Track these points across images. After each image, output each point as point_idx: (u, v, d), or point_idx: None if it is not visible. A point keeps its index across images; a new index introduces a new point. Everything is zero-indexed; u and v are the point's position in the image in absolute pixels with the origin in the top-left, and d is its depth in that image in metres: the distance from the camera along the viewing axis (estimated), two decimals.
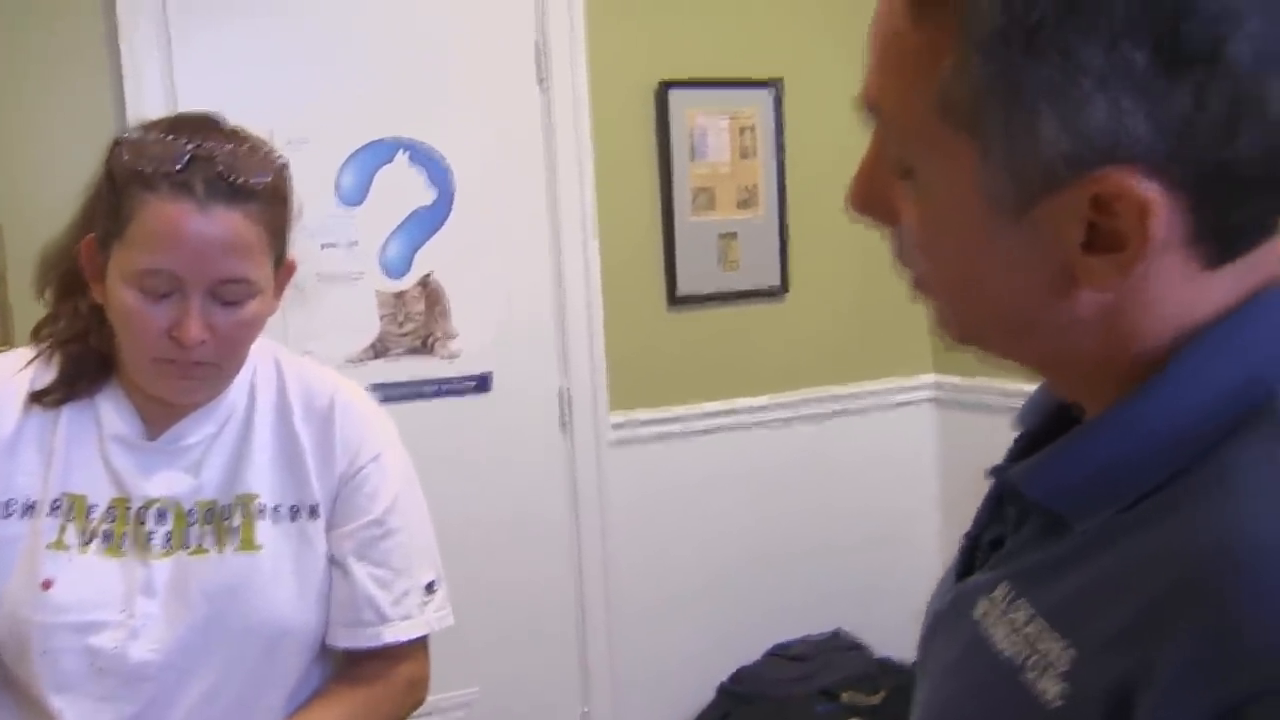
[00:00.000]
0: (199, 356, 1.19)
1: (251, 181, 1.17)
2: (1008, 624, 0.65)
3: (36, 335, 1.30)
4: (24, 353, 1.30)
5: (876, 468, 3.46)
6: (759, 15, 3.20)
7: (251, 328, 1.23)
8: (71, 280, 1.26)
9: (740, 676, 3.22)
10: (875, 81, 0.64)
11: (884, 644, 3.24)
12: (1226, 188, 0.57)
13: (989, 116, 0.58)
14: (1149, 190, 0.56)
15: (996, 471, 0.73)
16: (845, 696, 3.07)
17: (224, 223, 1.15)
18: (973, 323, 0.69)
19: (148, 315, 1.16)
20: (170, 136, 1.17)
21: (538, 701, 3.07)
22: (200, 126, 1.21)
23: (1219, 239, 0.59)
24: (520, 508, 3.03)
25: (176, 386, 1.23)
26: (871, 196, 0.69)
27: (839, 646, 3.28)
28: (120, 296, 1.17)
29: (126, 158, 1.16)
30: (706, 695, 3.21)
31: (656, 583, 3.20)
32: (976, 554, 0.78)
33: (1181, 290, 0.60)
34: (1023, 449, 0.76)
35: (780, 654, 3.26)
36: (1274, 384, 0.59)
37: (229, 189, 1.16)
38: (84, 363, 1.26)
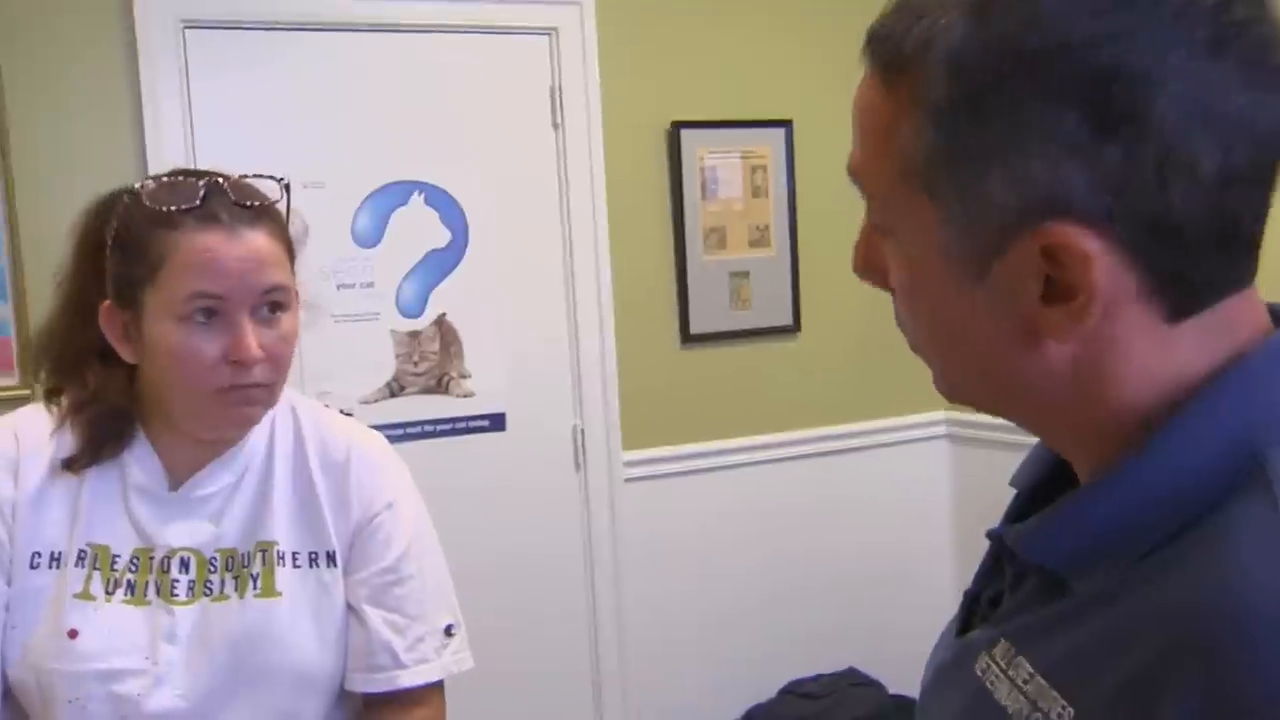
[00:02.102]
0: (258, 377, 1.23)
1: (265, 204, 1.25)
2: (1009, 681, 0.67)
3: (47, 400, 1.32)
4: (39, 412, 1.32)
5: (890, 505, 3.47)
6: (768, 58, 3.25)
7: (291, 344, 1.28)
8: (68, 359, 1.29)
9: (754, 714, 3.22)
10: (856, 151, 0.69)
11: (897, 682, 3.23)
12: (1171, 243, 0.59)
13: (944, 178, 0.62)
14: (1088, 241, 0.59)
15: (995, 533, 0.75)
16: None
17: (253, 241, 1.22)
18: (960, 380, 0.72)
19: (200, 345, 1.20)
20: (180, 178, 1.25)
21: None
22: (198, 172, 1.28)
23: (1175, 293, 0.61)
24: (534, 545, 3.05)
25: (238, 415, 1.26)
26: (867, 262, 0.73)
27: (852, 684, 3.27)
28: (167, 337, 1.20)
29: (147, 203, 1.21)
30: None
31: (670, 620, 3.20)
32: (976, 610, 0.79)
33: (1148, 343, 0.62)
34: (1021, 507, 0.78)
35: (794, 691, 3.26)
36: (1261, 448, 0.60)
37: (249, 213, 1.23)
38: (107, 425, 1.28)
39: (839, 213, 0.66)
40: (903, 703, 3.19)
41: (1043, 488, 0.76)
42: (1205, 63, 0.57)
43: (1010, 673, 0.67)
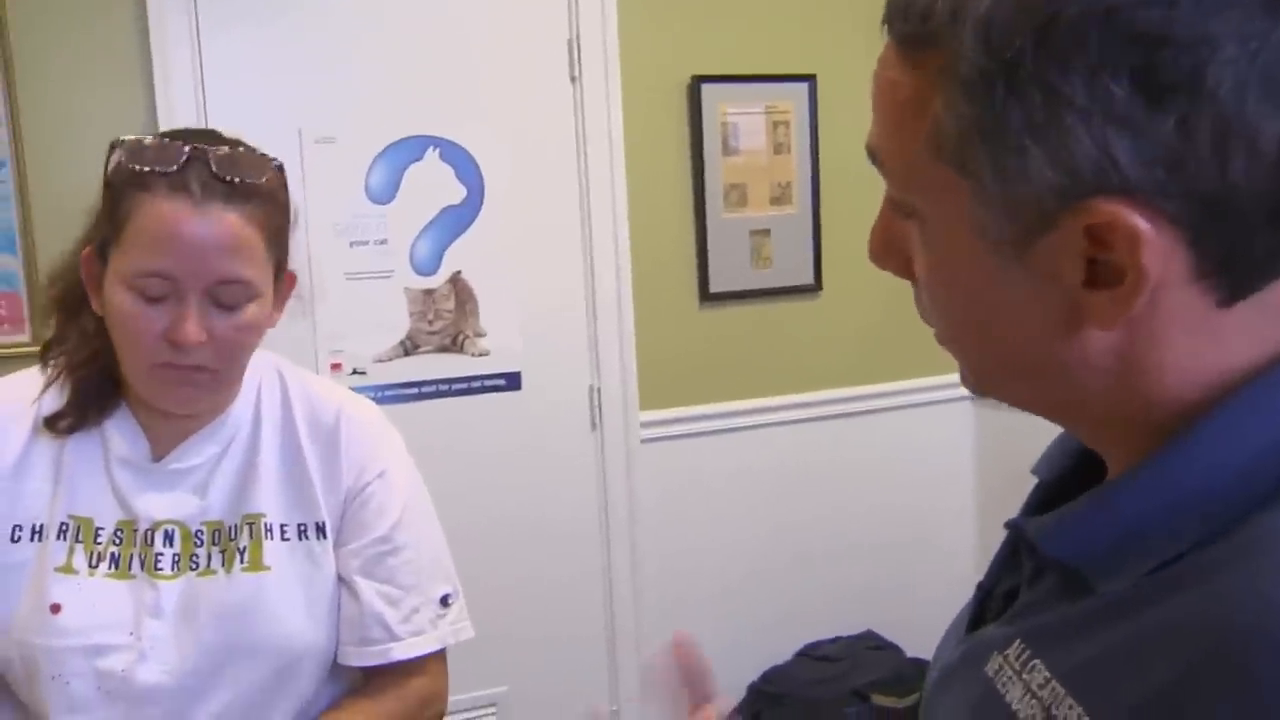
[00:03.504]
0: (197, 360, 1.17)
1: (248, 181, 1.17)
2: (1023, 684, 0.63)
3: (45, 356, 1.29)
4: (32, 374, 1.29)
5: (911, 467, 3.42)
6: (791, 11, 3.16)
7: (250, 333, 1.21)
8: (73, 298, 1.25)
9: (770, 676, 3.20)
10: (876, 130, 0.65)
11: (916, 645, 3.21)
12: (1227, 221, 0.55)
13: (978, 154, 0.58)
14: (1139, 220, 0.54)
15: (1014, 524, 0.70)
16: (876, 698, 3.05)
17: (220, 222, 1.14)
18: (987, 370, 0.68)
19: (143, 319, 1.15)
20: (167, 140, 1.18)
21: (566, 700, 3.06)
22: (197, 134, 1.22)
23: (1228, 275, 0.57)
24: (549, 506, 3.03)
25: (176, 395, 1.22)
26: (886, 247, 0.69)
27: (870, 647, 3.25)
28: (117, 301, 1.16)
29: (123, 159, 1.16)
30: (736, 695, 3.18)
31: (686, 581, 3.18)
32: (988, 604, 0.75)
33: (1195, 330, 0.58)
34: (1042, 498, 0.74)
35: (811, 654, 3.24)
36: None
37: (225, 188, 1.15)
38: (94, 389, 1.25)
39: (863, 170, 0.63)
40: (921, 666, 3.16)
41: (1067, 479, 0.72)
42: (1262, 24, 0.52)
43: (1025, 676, 0.63)
